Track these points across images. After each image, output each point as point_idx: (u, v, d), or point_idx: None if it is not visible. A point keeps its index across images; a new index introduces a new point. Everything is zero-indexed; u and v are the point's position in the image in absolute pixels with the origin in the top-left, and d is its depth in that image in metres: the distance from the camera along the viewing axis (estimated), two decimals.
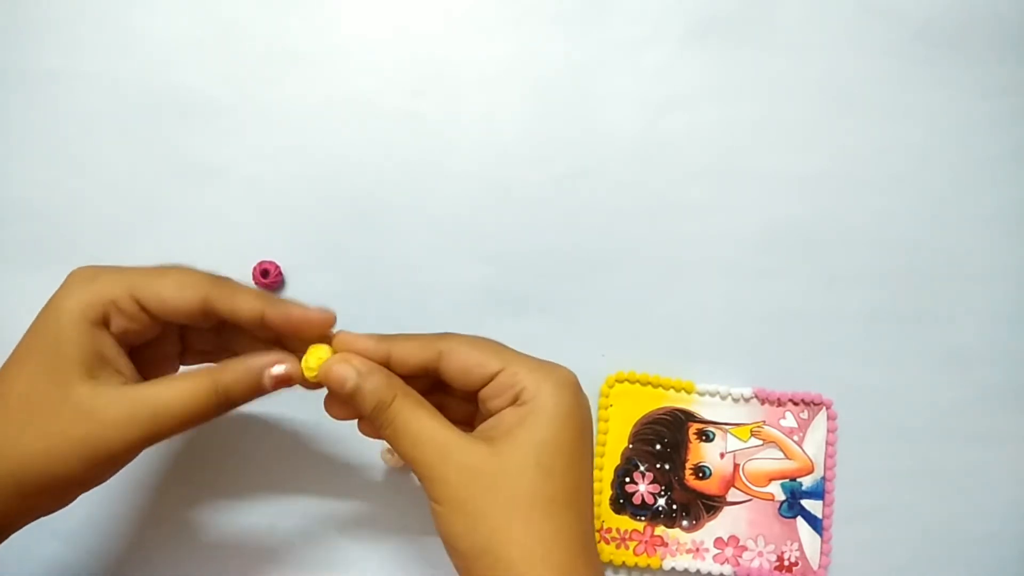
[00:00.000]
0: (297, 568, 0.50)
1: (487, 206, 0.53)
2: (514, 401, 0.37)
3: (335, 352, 0.38)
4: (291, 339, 0.39)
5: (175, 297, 0.37)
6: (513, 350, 0.39)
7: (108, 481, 0.49)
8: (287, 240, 0.52)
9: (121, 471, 0.48)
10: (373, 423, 0.37)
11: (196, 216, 0.52)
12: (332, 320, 0.38)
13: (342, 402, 0.39)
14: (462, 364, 0.37)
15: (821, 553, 0.51)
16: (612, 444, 0.51)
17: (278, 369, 0.37)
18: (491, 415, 0.38)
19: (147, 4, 0.53)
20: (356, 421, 0.40)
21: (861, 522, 0.52)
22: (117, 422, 0.35)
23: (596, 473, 0.51)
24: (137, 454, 0.37)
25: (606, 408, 0.51)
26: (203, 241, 0.52)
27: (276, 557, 0.50)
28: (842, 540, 0.51)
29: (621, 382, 0.52)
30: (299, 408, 0.51)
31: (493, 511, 0.35)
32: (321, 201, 0.52)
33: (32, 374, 0.36)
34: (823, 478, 0.51)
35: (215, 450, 0.51)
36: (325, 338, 0.39)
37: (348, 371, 0.37)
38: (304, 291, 0.52)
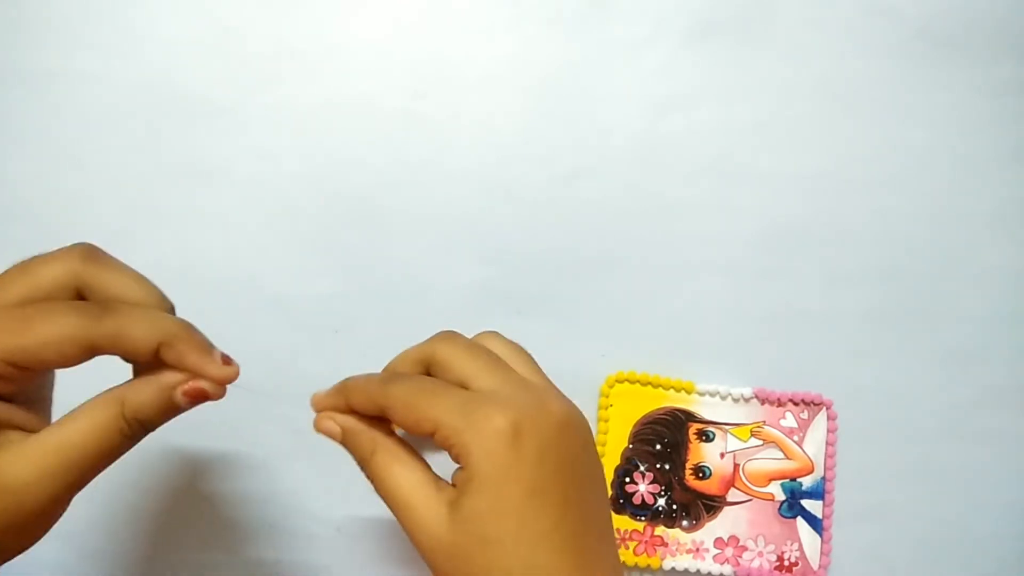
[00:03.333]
0: (297, 568, 0.50)
1: (487, 206, 0.53)
2: (457, 461, 0.34)
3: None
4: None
5: (52, 350, 0.33)
6: (449, 393, 0.35)
7: (106, 481, 0.49)
8: (287, 240, 0.52)
9: (121, 472, 0.47)
10: (362, 471, 0.37)
11: (196, 216, 0.52)
12: (232, 377, 0.36)
13: None
14: (402, 421, 0.35)
15: (821, 553, 0.51)
16: (612, 444, 0.51)
17: (192, 384, 0.35)
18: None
19: (147, 4, 0.53)
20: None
21: (861, 522, 0.51)
22: (28, 484, 0.32)
23: None
24: (66, 505, 0.35)
25: (606, 408, 0.51)
26: (203, 241, 0.52)
27: (276, 557, 0.50)
28: (842, 540, 0.51)
29: (621, 382, 0.52)
30: (304, 405, 0.51)
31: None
32: (321, 201, 0.52)
33: None
34: (823, 478, 0.51)
35: (216, 450, 0.51)
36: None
37: (333, 427, 0.37)
38: (304, 291, 0.52)
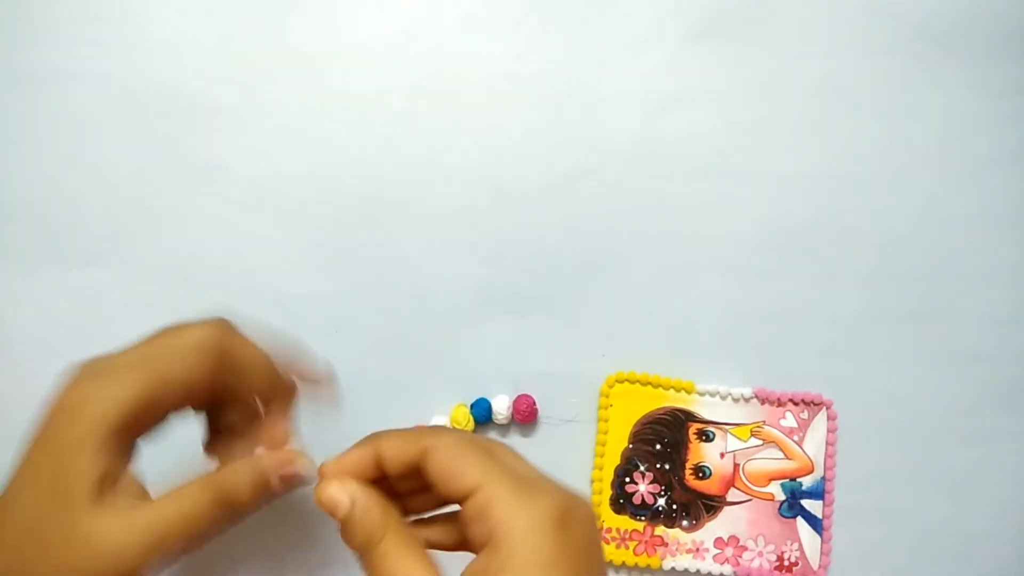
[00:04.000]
0: (297, 568, 0.50)
1: (487, 206, 0.53)
2: (487, 539, 0.31)
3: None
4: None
5: (191, 381, 0.36)
6: (501, 461, 0.33)
7: None
8: (287, 240, 0.52)
9: None
10: (358, 554, 0.34)
11: (196, 216, 0.52)
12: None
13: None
14: (442, 468, 0.33)
15: (821, 553, 0.51)
16: (612, 444, 0.51)
17: (288, 471, 0.36)
18: (474, 546, 0.33)
19: (147, 4, 0.53)
20: None
21: (861, 522, 0.52)
22: (121, 553, 0.32)
23: (596, 473, 0.51)
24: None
25: (606, 408, 0.51)
26: (203, 241, 0.52)
27: (277, 557, 0.50)
28: (842, 540, 0.51)
29: (621, 382, 0.52)
30: (298, 410, 0.51)
31: None
32: (321, 201, 0.52)
33: (37, 499, 0.33)
34: (823, 478, 0.51)
35: None
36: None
37: (343, 497, 0.34)
38: (304, 291, 0.52)
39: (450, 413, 0.51)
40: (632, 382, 0.52)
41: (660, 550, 0.51)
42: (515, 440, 0.52)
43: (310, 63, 0.53)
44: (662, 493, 0.51)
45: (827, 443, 0.52)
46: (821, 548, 0.51)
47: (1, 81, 0.52)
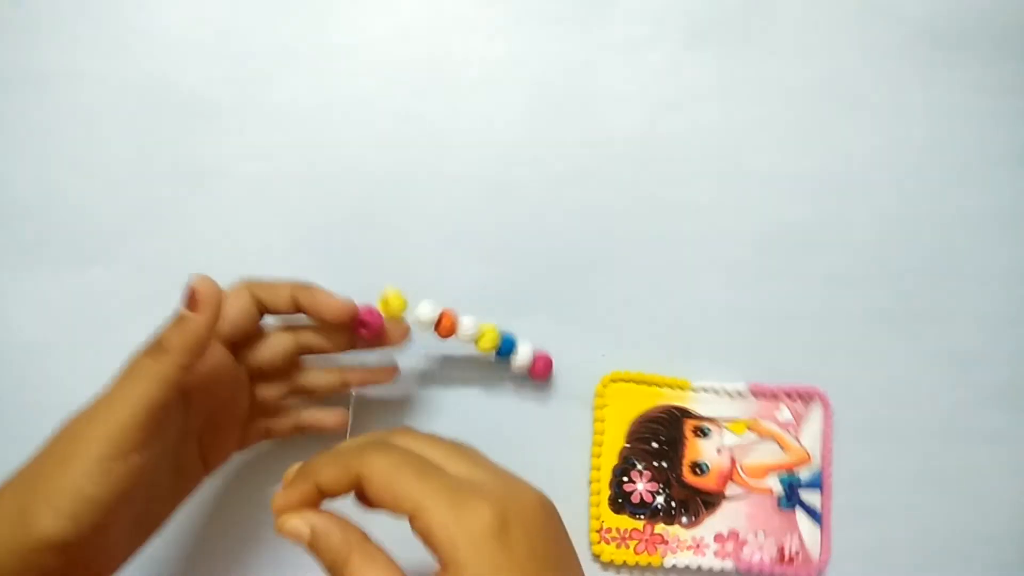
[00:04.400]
0: (297, 568, 0.50)
1: (487, 206, 0.53)
2: (437, 558, 0.32)
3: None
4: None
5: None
6: (432, 476, 0.34)
7: None
8: (287, 240, 0.52)
9: None
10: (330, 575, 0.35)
11: (196, 216, 0.52)
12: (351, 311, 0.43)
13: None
14: (378, 495, 0.34)
15: (821, 544, 0.51)
16: (609, 444, 0.51)
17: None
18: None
19: (147, 4, 0.53)
20: None
21: (861, 522, 0.52)
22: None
23: (594, 474, 0.51)
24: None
25: (601, 408, 0.51)
26: (203, 241, 0.52)
27: (277, 557, 0.50)
28: (842, 540, 0.51)
29: (616, 382, 0.52)
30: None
31: None
32: (321, 201, 0.52)
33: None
34: (820, 469, 0.52)
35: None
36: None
37: (302, 527, 0.35)
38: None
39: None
40: (627, 381, 0.52)
41: (660, 548, 0.51)
42: (523, 411, 0.52)
43: (310, 63, 0.53)
44: (660, 491, 0.51)
45: (823, 434, 0.52)
46: (821, 539, 0.51)
47: (1, 81, 0.52)
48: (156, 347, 0.37)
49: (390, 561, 0.34)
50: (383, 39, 0.53)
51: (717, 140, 0.54)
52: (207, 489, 0.50)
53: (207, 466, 0.43)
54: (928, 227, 0.54)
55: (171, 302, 0.50)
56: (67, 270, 0.51)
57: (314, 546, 0.34)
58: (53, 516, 0.33)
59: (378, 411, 0.51)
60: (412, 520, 0.33)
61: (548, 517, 0.35)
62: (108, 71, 0.52)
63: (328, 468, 0.35)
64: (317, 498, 0.35)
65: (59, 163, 0.52)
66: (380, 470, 0.34)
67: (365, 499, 0.35)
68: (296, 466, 0.38)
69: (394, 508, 0.33)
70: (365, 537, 0.35)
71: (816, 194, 0.54)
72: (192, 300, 0.38)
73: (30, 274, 0.51)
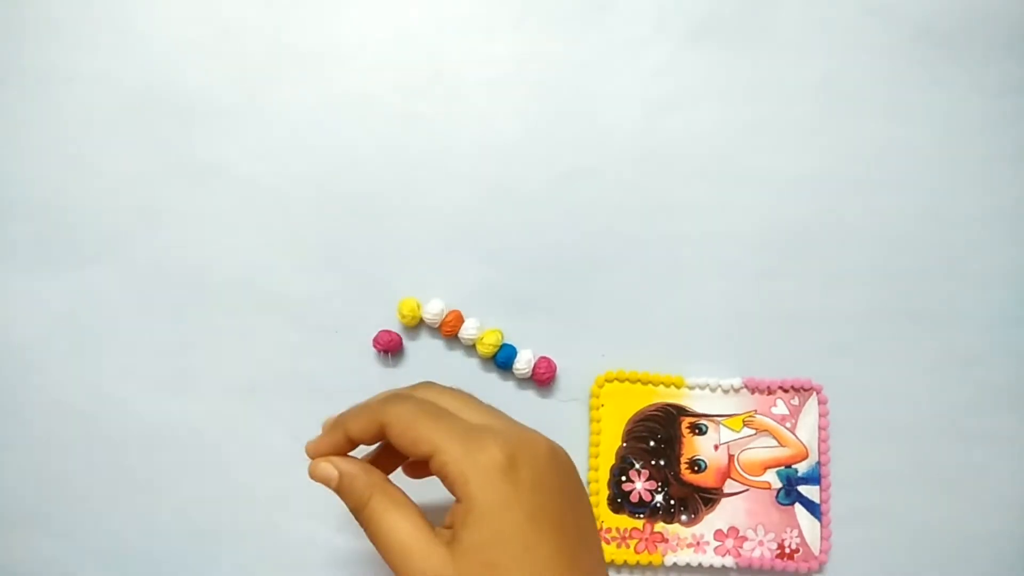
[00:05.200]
0: (297, 568, 0.49)
1: (487, 206, 0.53)
2: (452, 493, 0.35)
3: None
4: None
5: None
6: (448, 420, 0.37)
7: (108, 481, 0.50)
8: (287, 240, 0.52)
9: (123, 473, 0.50)
10: (356, 517, 0.38)
11: (196, 216, 0.52)
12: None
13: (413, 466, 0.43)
14: (400, 439, 0.37)
15: (821, 538, 0.51)
16: (606, 444, 0.51)
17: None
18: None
19: (147, 4, 0.53)
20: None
21: (861, 522, 0.52)
22: None
23: (592, 474, 0.51)
24: None
25: (597, 408, 0.52)
26: (203, 241, 0.52)
27: (277, 557, 0.50)
28: (842, 539, 0.51)
29: (611, 381, 0.52)
30: (300, 411, 0.51)
31: None
32: (321, 201, 0.52)
33: None
34: (818, 463, 0.52)
35: (216, 451, 0.50)
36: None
37: (331, 470, 0.38)
38: (304, 291, 0.52)
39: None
40: (622, 380, 0.52)
41: (661, 546, 0.51)
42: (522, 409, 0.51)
43: (310, 63, 0.53)
44: (659, 489, 0.51)
45: (819, 428, 0.52)
46: (821, 533, 0.51)
47: (1, 81, 0.52)
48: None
49: (408, 501, 0.37)
50: (383, 39, 0.53)
51: (717, 140, 0.54)
52: (207, 487, 0.50)
53: None
54: (928, 227, 0.54)
55: (171, 302, 0.51)
56: (67, 270, 0.51)
57: (340, 488, 0.38)
58: None
59: None
60: (430, 461, 0.36)
61: (558, 462, 0.37)
62: (108, 71, 0.53)
63: (356, 418, 0.39)
64: (347, 446, 0.39)
65: (59, 163, 0.52)
66: (401, 417, 0.37)
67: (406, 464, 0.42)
68: (332, 417, 0.41)
69: (414, 451, 0.36)
70: (386, 480, 0.38)
71: (815, 194, 0.54)
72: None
73: (30, 274, 0.51)
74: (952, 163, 0.54)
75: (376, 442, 0.40)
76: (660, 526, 0.51)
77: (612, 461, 0.51)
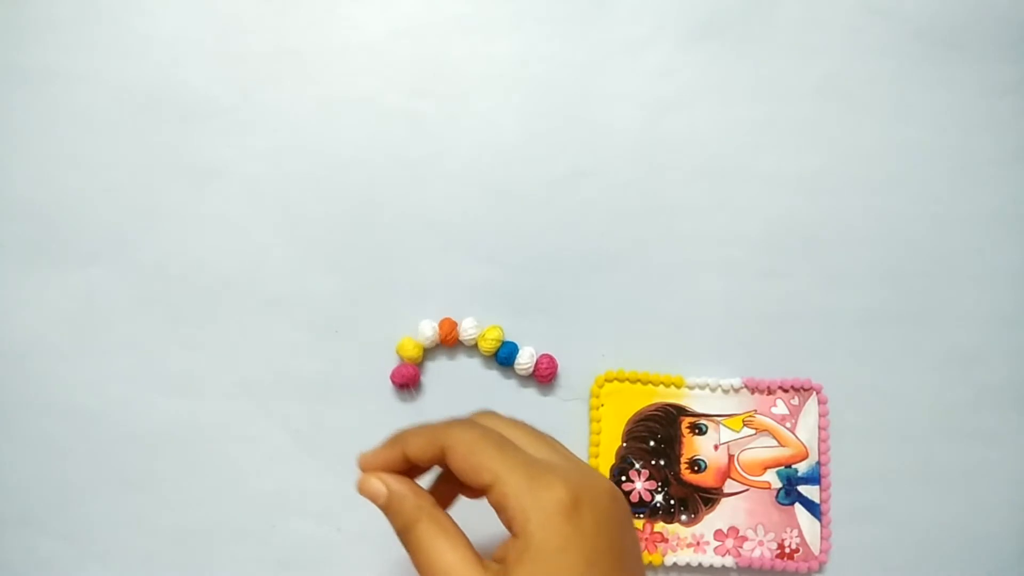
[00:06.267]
0: (297, 568, 0.49)
1: (487, 206, 0.53)
2: (509, 528, 0.34)
3: None
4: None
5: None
6: (512, 451, 0.35)
7: (108, 481, 0.50)
8: (287, 240, 0.52)
9: (123, 472, 0.49)
10: (402, 538, 0.37)
11: (196, 216, 0.52)
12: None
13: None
14: (460, 466, 0.35)
15: (821, 538, 0.51)
16: (606, 444, 0.51)
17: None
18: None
19: (147, 4, 0.53)
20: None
21: (861, 522, 0.52)
22: None
23: None
24: None
25: (597, 408, 0.52)
26: (203, 241, 0.52)
27: (277, 557, 0.50)
28: (842, 539, 0.51)
29: (611, 381, 0.52)
30: (300, 412, 0.51)
31: None
32: (321, 201, 0.52)
33: None
34: (818, 463, 0.52)
35: (216, 450, 0.50)
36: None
37: (380, 487, 0.37)
38: (304, 291, 0.52)
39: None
40: (622, 380, 0.52)
41: (661, 546, 0.51)
42: (523, 408, 0.52)
43: (310, 63, 0.53)
44: (659, 489, 0.51)
45: (819, 427, 0.52)
46: (821, 533, 0.51)
47: (1, 81, 0.52)
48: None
49: (458, 529, 0.36)
50: (383, 39, 0.53)
51: (717, 140, 0.54)
52: (207, 487, 0.50)
53: None
54: (928, 227, 0.54)
55: (171, 302, 0.51)
56: (67, 270, 0.51)
57: (388, 507, 0.36)
58: None
59: (378, 411, 0.51)
60: (489, 490, 0.34)
61: (619, 507, 0.36)
62: (108, 71, 0.53)
63: (416, 437, 0.37)
64: (401, 465, 0.38)
65: (59, 163, 0.52)
66: (464, 442, 0.35)
67: (457, 483, 0.38)
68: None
69: (474, 478, 0.34)
70: (436, 505, 0.37)
71: (815, 194, 0.54)
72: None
73: (30, 274, 0.51)
74: (953, 163, 0.54)
75: (432, 465, 0.38)
76: (660, 526, 0.51)
77: (612, 461, 0.51)
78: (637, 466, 0.51)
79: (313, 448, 0.51)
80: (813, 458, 0.52)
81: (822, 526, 0.51)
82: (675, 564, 0.51)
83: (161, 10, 0.53)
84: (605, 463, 0.51)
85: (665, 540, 0.51)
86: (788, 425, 0.52)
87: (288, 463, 0.50)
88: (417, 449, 0.37)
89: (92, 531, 0.50)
